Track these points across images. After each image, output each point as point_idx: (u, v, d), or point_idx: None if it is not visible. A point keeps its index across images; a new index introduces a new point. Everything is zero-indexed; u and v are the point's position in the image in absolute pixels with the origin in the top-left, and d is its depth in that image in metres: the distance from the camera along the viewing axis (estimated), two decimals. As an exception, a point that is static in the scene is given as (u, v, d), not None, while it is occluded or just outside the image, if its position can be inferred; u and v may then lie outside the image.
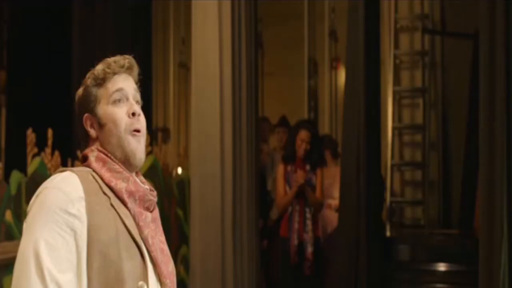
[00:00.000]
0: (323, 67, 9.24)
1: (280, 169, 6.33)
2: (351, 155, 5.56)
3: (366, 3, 5.61)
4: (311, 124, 6.60)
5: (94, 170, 2.18)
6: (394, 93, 7.96)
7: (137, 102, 2.28)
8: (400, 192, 8.14)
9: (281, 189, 6.23)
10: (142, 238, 2.14)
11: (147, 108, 7.80)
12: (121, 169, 2.18)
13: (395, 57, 8.01)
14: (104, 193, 2.14)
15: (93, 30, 7.76)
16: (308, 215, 6.10)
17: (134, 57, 2.31)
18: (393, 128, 7.91)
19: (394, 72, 7.97)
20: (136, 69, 2.31)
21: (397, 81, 8.05)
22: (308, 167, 6.24)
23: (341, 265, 5.68)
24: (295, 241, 6.04)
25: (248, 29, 5.74)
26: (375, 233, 5.63)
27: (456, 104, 7.92)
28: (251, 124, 5.75)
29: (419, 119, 8.01)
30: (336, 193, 6.63)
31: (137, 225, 2.15)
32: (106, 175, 2.16)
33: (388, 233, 7.06)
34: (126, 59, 2.29)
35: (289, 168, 6.27)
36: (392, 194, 7.72)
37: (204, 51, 5.63)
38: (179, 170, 6.59)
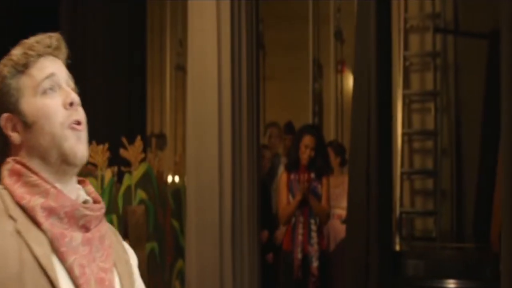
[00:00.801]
0: (328, 70, 9.14)
1: (283, 177, 6.17)
2: (360, 163, 5.35)
3: (377, 1, 5.44)
4: (316, 129, 6.46)
5: (5, 187, 1.78)
6: (404, 97, 7.77)
7: (72, 89, 1.88)
8: (410, 202, 7.96)
9: (284, 199, 6.07)
10: (65, 268, 1.72)
11: (141, 113, 8.01)
12: (39, 181, 1.76)
13: (405, 58, 7.82)
14: (10, 216, 1.71)
15: (82, 31, 7.55)
16: (313, 227, 5.94)
17: (62, 35, 1.91)
18: (403, 134, 7.73)
19: (404, 74, 7.80)
20: (64, 50, 1.90)
21: (406, 84, 7.88)
22: (312, 175, 6.07)
23: (348, 281, 5.47)
24: (298, 255, 5.88)
25: (249, 30, 5.60)
26: (385, 247, 5.41)
27: (469, 109, 7.73)
28: (252, 130, 5.60)
29: (430, 125, 7.85)
30: (344, 202, 6.39)
31: (57, 251, 1.73)
32: (18, 191, 1.75)
33: (397, 247, 6.87)
34: (53, 37, 1.87)
35: (292, 176, 6.12)
36: (402, 204, 7.55)
37: (202, 53, 5.49)
38: (175, 178, 6.39)
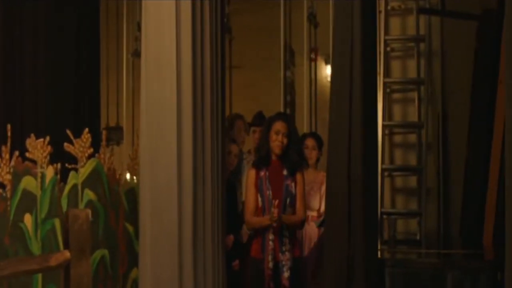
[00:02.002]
0: (301, 57, 8.81)
1: (251, 175, 5.72)
2: (340, 159, 5.06)
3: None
4: (288, 116, 6.09)
5: None
6: (384, 85, 7.60)
7: None
8: (391, 202, 7.81)
9: (251, 200, 5.66)
10: None
11: (95, 104, 7.52)
12: None
13: (385, 43, 7.67)
14: None
15: (22, 15, 7.09)
16: (286, 232, 5.55)
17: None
18: (383, 127, 7.55)
19: (384, 61, 7.65)
20: None
21: (387, 72, 7.74)
22: (285, 171, 5.64)
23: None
24: (269, 264, 5.51)
25: (213, 12, 5.35)
26: (372, 255, 5.10)
27: (457, 99, 7.60)
28: (216, 122, 5.32)
29: (413, 117, 7.74)
30: (316, 202, 6.22)
31: None
32: None
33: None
34: None
35: (262, 173, 5.67)
36: (382, 204, 7.30)
37: (158, 36, 5.21)
38: (130, 176, 5.98)
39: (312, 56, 8.88)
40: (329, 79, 9.28)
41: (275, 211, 5.40)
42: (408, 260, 5.77)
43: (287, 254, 5.51)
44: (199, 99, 5.22)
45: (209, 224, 5.25)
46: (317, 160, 6.44)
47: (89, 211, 4.72)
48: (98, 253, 5.35)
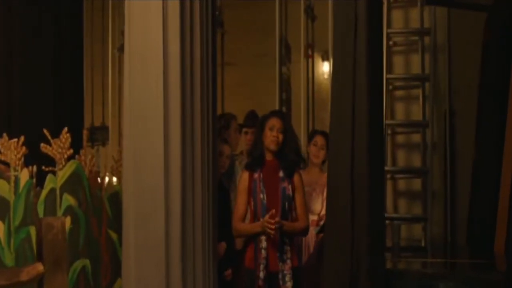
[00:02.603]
0: (298, 53, 8.77)
1: (243, 178, 5.48)
2: (343, 161, 4.86)
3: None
4: (283, 114, 5.83)
5: None
6: (386, 82, 7.49)
7: None
8: (393, 206, 7.74)
9: (241, 205, 5.45)
10: None
11: (77, 102, 7.13)
12: None
13: (387, 37, 7.57)
14: None
15: None
16: (286, 239, 5.30)
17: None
18: (385, 126, 7.38)
19: (386, 56, 7.49)
20: None
21: (389, 67, 7.71)
22: (281, 173, 5.39)
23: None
24: (260, 273, 5.27)
25: (203, 5, 5.20)
26: (378, 266, 4.84)
27: (464, 96, 7.52)
28: (207, 122, 5.15)
29: (417, 115, 7.67)
30: (317, 206, 6.05)
31: None
32: None
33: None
34: None
35: (255, 175, 5.42)
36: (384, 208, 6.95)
37: (143, 30, 5.01)
38: (114, 180, 5.77)
39: (309, 52, 8.81)
40: (326, 76, 9.51)
41: (272, 220, 5.14)
42: (417, 272, 5.46)
43: (289, 263, 5.27)
44: (188, 96, 5.04)
45: (199, 231, 5.04)
46: (324, 161, 6.23)
47: (64, 219, 4.59)
48: (78, 264, 5.15)
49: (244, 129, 6.83)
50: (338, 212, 4.94)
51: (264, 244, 5.28)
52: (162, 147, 4.90)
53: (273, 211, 5.17)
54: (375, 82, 4.94)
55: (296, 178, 5.41)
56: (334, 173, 4.98)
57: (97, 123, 9.08)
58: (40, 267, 3.57)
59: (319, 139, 6.23)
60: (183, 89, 5.00)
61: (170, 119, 4.95)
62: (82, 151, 5.38)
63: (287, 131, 5.45)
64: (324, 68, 9.58)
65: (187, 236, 4.96)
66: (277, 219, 5.15)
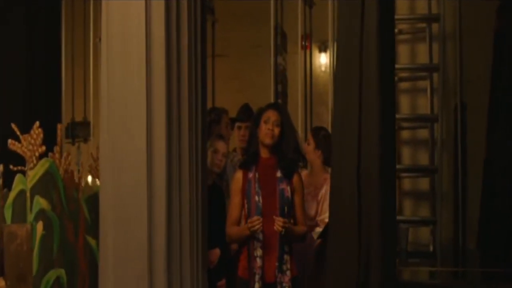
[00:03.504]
0: (294, 45, 8.48)
1: (237, 179, 5.25)
2: (348, 160, 4.64)
3: None
4: (281, 106, 5.60)
5: None
6: None
7: None
8: (399, 207, 7.48)
9: (234, 208, 5.22)
10: None
11: (54, 96, 6.79)
12: None
13: None
14: None
15: None
16: (286, 247, 5.06)
17: None
18: None
19: None
20: None
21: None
22: (278, 173, 5.14)
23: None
24: (255, 285, 5.05)
25: None
26: (389, 278, 4.53)
27: (475, 88, 7.34)
28: (196, 117, 4.93)
29: (424, 109, 7.47)
30: (311, 210, 5.83)
31: None
32: None
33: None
34: None
35: (250, 175, 5.17)
36: None
37: (123, 12, 4.81)
38: (91, 180, 5.54)
39: (306, 43, 8.59)
40: (323, 69, 9.55)
41: (278, 221, 4.92)
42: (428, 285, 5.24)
43: (289, 274, 5.02)
44: (174, 87, 4.82)
45: (187, 238, 4.79)
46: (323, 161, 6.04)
47: (30, 227, 4.45)
48: (52, 274, 4.91)
49: (237, 124, 6.68)
50: (343, 216, 4.70)
51: (259, 252, 5.03)
52: (144, 143, 4.68)
53: (259, 218, 4.97)
54: (386, 69, 4.70)
55: (295, 178, 5.16)
56: (339, 173, 4.75)
57: (79, 118, 8.91)
58: (1, 283, 3.21)
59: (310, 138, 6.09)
60: (168, 79, 4.77)
61: (153, 112, 4.72)
62: (56, 148, 5.13)
63: (285, 125, 5.19)
64: (321, 60, 9.57)
65: (173, 244, 4.74)
66: (284, 220, 4.91)
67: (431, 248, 7.11)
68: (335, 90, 4.95)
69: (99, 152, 4.95)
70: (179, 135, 4.80)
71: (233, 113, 7.03)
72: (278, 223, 4.89)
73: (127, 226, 4.67)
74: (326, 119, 8.34)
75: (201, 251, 4.87)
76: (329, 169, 6.22)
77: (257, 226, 4.90)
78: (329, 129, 6.99)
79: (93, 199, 5.36)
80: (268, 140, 5.11)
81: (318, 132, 6.26)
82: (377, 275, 4.52)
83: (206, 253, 5.01)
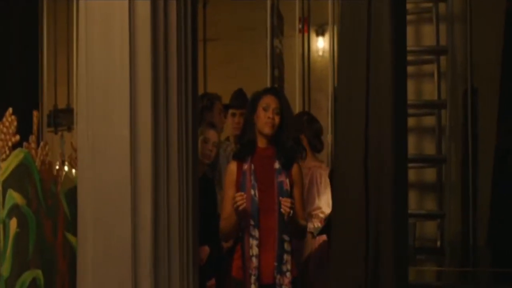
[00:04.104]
0: (290, 28, 8.37)
1: (231, 170, 4.97)
2: (355, 151, 4.39)
3: None
4: (280, 92, 5.30)
5: None
6: None
7: None
8: None
9: (228, 203, 4.92)
10: None
11: (32, 81, 6.49)
12: None
13: None
14: None
15: None
16: (287, 245, 4.78)
17: None
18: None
19: None
20: None
21: None
22: (277, 164, 4.86)
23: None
24: (252, 287, 4.78)
25: None
26: (401, 278, 4.31)
27: (485, 72, 7.12)
28: (185, 104, 4.71)
29: (430, 94, 7.26)
30: (310, 202, 5.73)
31: None
32: None
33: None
34: None
35: (245, 166, 4.88)
36: None
37: None
38: (72, 172, 5.33)
39: (303, 26, 8.44)
40: (321, 53, 9.51)
41: (285, 201, 4.62)
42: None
43: (289, 276, 4.74)
44: (161, 72, 4.57)
45: (176, 237, 4.55)
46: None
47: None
48: (27, 276, 4.75)
49: (231, 111, 6.51)
50: (348, 209, 4.47)
51: (255, 250, 4.75)
52: (128, 131, 4.41)
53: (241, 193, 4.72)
54: (399, 51, 4.46)
55: (294, 170, 4.88)
56: (343, 163, 4.52)
57: (62, 105, 8.86)
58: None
59: None
60: (154, 62, 4.51)
61: (138, 97, 4.45)
62: (31, 137, 4.91)
63: (284, 112, 4.91)
64: (319, 44, 9.48)
65: (160, 243, 4.50)
66: (290, 200, 4.64)
67: (438, 244, 6.93)
68: (340, 73, 4.73)
69: (77, 142, 4.71)
70: (166, 123, 4.56)
71: (225, 100, 6.89)
72: (285, 203, 4.60)
73: (108, 224, 4.41)
74: (324, 106, 8.30)
75: (191, 251, 4.64)
76: (318, 156, 6.12)
77: (239, 202, 4.61)
78: (329, 116, 6.89)
79: (73, 192, 5.08)
80: (268, 130, 4.84)
81: (301, 117, 6.16)
82: (389, 274, 4.30)
83: (197, 254, 4.79)
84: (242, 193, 4.67)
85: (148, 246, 4.39)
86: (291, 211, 4.58)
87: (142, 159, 4.42)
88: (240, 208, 4.61)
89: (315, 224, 5.89)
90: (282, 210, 4.61)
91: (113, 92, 4.40)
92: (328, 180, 5.83)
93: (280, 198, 4.67)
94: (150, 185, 4.41)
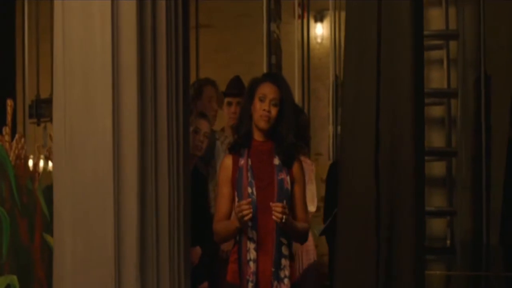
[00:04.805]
0: (287, 14, 8.24)
1: (226, 165, 4.56)
2: (364, 143, 4.09)
3: None
4: (280, 79, 4.83)
5: None
6: None
7: None
8: None
9: (224, 202, 4.53)
10: None
11: (10, 72, 6.52)
12: None
13: None
14: None
15: None
16: (285, 249, 4.38)
17: None
18: None
19: None
20: None
21: None
22: (276, 160, 4.44)
23: None
24: None
25: None
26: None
27: (499, 58, 6.85)
28: (176, 93, 4.36)
29: (439, 81, 7.08)
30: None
31: None
32: None
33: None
34: None
35: (241, 161, 4.48)
36: None
37: None
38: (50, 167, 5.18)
39: (301, 12, 8.39)
40: (319, 40, 9.20)
41: (276, 206, 4.23)
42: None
43: (287, 283, 4.38)
44: (148, 58, 4.20)
45: (165, 237, 4.16)
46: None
47: None
48: (1, 282, 4.74)
49: (227, 99, 6.30)
50: (356, 209, 4.15)
51: (253, 254, 4.37)
52: (110, 121, 4.02)
53: (249, 200, 4.28)
54: (418, 33, 4.14)
55: (295, 167, 4.48)
56: (351, 159, 4.21)
57: (45, 95, 8.51)
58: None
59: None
60: (141, 46, 4.13)
61: (122, 84, 4.08)
62: (5, 129, 4.74)
63: (285, 102, 4.50)
64: (317, 30, 9.26)
65: (147, 246, 4.10)
66: (282, 204, 4.22)
67: (448, 243, 6.69)
68: (346, 58, 4.37)
69: (53, 134, 4.32)
70: (155, 113, 4.17)
71: (221, 89, 6.61)
72: (276, 209, 4.19)
73: (88, 225, 4.01)
74: (323, 96, 8.18)
75: (183, 254, 4.25)
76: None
77: (246, 212, 4.19)
78: (330, 106, 6.65)
79: (51, 190, 4.61)
80: (263, 124, 4.44)
81: None
82: (405, 281, 3.98)
83: (188, 257, 4.39)
84: (250, 199, 4.26)
85: (134, 250, 4.02)
86: (284, 217, 4.20)
87: (126, 152, 4.04)
88: (246, 218, 4.21)
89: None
90: (273, 217, 4.22)
91: (93, 78, 4.03)
92: (312, 176, 5.61)
93: (271, 203, 4.27)
94: (136, 182, 4.02)
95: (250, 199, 4.25)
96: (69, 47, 4.05)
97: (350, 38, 4.35)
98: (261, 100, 4.42)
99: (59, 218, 4.07)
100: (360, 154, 4.10)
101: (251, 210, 4.20)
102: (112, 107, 3.99)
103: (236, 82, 6.39)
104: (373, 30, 4.16)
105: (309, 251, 5.53)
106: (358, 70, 4.22)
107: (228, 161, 4.49)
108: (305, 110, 7.45)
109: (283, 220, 4.17)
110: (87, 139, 4.02)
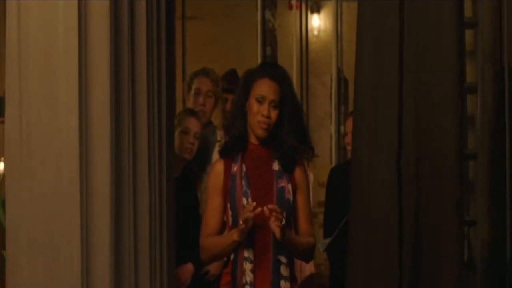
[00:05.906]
0: (281, 5, 7.96)
1: (216, 171, 4.15)
2: (384, 140, 3.66)
3: None
4: (281, 72, 4.34)
5: None
6: None
7: None
8: None
9: (214, 214, 4.12)
10: None
11: None
12: None
13: None
14: None
15: None
16: (283, 258, 3.96)
17: None
18: None
19: None
20: None
21: None
22: (276, 165, 4.02)
23: None
24: None
25: None
26: None
27: None
28: (158, 89, 4.06)
29: None
30: None
31: None
32: None
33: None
34: None
35: (234, 167, 4.05)
36: None
37: None
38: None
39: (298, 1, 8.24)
40: (316, 32, 9.09)
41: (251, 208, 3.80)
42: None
43: None
44: (125, 49, 3.88)
45: (146, 257, 3.82)
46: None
47: None
48: None
49: (222, 96, 6.00)
50: (373, 221, 3.68)
51: (249, 276, 3.94)
52: (76, 119, 3.61)
53: (253, 203, 3.83)
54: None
55: (298, 172, 4.07)
56: (367, 163, 3.73)
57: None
58: None
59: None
60: (115, 33, 3.79)
61: (91, 75, 3.70)
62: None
63: (287, 100, 4.07)
64: (314, 22, 9.13)
65: (123, 267, 3.73)
66: (276, 209, 3.78)
67: (465, 258, 6.03)
68: (358, 52, 3.90)
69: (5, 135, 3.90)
70: (132, 109, 3.81)
71: None
72: (277, 216, 3.76)
73: (50, 243, 3.60)
74: (320, 92, 8.01)
75: (166, 276, 3.89)
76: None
77: (251, 214, 3.75)
78: (332, 103, 6.43)
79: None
80: (260, 132, 4.00)
81: None
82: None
83: (173, 279, 4.02)
84: (254, 203, 3.78)
85: (106, 276, 3.63)
86: (282, 223, 3.76)
87: (97, 155, 3.67)
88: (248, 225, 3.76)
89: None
90: (272, 224, 3.77)
91: (55, 65, 3.61)
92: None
93: (265, 207, 3.80)
94: (108, 192, 3.66)
95: (254, 203, 3.80)
96: (25, 28, 3.63)
97: (365, 25, 3.86)
98: (259, 101, 4.01)
99: (13, 236, 3.65)
100: (378, 159, 3.63)
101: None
102: (78, 101, 3.60)
103: (231, 76, 6.17)
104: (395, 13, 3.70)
105: (306, 264, 5.13)
106: (376, 61, 3.76)
107: (219, 167, 4.06)
108: (304, 109, 6.96)
109: (282, 232, 3.75)
110: (48, 140, 3.66)
